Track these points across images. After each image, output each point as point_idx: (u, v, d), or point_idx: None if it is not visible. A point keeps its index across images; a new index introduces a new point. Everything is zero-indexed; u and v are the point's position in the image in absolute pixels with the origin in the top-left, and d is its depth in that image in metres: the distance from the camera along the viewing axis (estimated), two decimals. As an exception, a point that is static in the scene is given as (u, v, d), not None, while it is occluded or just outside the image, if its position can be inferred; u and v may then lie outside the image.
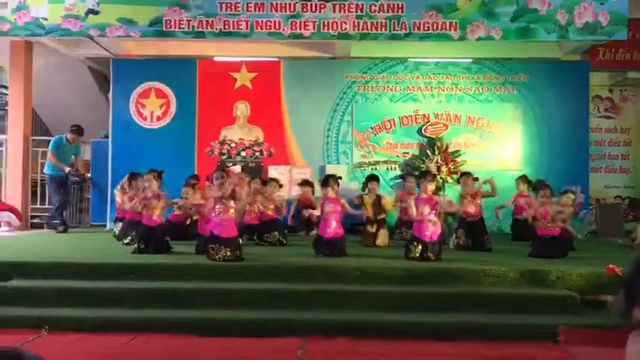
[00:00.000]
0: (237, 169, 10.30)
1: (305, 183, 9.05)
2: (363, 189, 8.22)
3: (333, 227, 6.69)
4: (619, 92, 11.28)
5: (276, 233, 7.96)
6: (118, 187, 8.77)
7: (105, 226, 10.31)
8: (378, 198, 7.99)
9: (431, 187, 6.57)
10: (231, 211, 6.30)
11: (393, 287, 5.64)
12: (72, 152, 10.02)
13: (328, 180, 6.97)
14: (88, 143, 11.14)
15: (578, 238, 7.07)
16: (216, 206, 6.35)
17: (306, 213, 7.45)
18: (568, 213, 7.10)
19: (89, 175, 10.49)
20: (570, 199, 7.53)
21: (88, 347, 4.65)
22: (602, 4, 8.96)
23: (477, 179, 7.99)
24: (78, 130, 9.79)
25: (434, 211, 6.49)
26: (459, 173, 9.87)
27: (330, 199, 6.86)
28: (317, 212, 7.00)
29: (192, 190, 8.21)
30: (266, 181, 8.71)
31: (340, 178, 7.29)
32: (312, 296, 5.43)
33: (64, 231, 9.53)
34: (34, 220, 10.54)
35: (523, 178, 9.03)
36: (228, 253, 6.10)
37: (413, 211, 6.56)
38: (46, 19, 9.10)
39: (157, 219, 6.90)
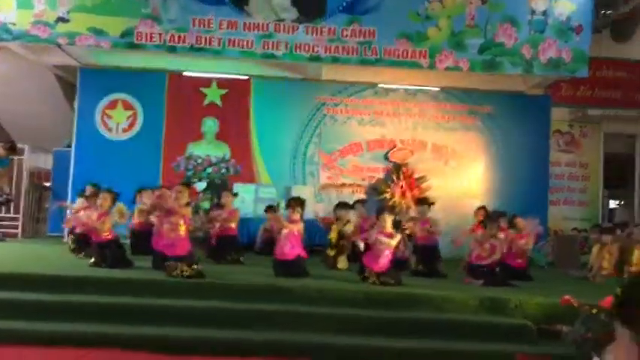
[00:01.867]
0: (202, 185, 10.15)
1: (271, 209, 8.93)
2: (335, 219, 8.15)
3: (289, 248, 6.66)
4: (579, 128, 11.61)
5: (233, 253, 7.83)
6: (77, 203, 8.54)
7: (63, 237, 10.02)
8: (345, 223, 8.00)
9: (390, 220, 6.55)
10: (181, 228, 6.18)
11: (354, 310, 5.60)
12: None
13: (291, 202, 6.98)
14: (50, 152, 10.94)
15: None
16: (164, 224, 6.21)
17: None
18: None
19: (8, 195, 9.66)
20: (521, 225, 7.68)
21: (38, 362, 4.47)
22: (565, 41, 9.26)
23: (432, 204, 8.07)
24: (10, 147, 9.18)
25: (389, 250, 6.46)
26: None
27: (292, 220, 6.82)
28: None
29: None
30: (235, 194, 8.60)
31: (304, 201, 7.23)
32: (273, 316, 5.37)
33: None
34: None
35: (482, 209, 9.00)
36: (186, 268, 5.98)
37: (360, 246, 6.60)
38: (14, 24, 8.90)
39: (107, 235, 6.83)
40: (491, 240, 6.96)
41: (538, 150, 10.78)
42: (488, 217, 7.68)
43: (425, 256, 7.59)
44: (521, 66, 9.23)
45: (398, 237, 6.58)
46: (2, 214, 10.15)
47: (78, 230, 7.73)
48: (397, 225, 6.74)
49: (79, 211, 7.54)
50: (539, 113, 10.84)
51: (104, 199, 6.95)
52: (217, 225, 7.96)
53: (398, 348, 5.01)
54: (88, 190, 8.25)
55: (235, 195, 8.50)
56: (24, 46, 9.56)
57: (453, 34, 9.16)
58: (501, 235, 7.23)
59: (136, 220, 8.25)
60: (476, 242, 7.09)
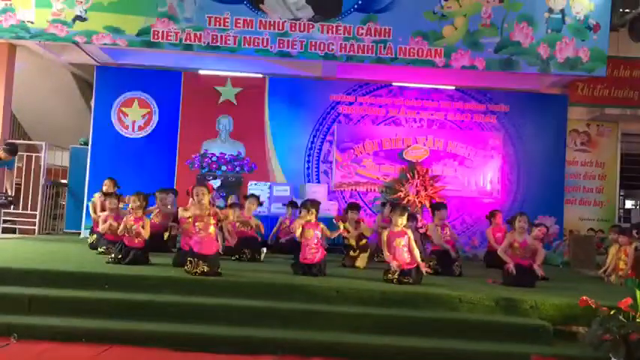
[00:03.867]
0: (217, 183, 10.37)
1: (292, 204, 9.01)
2: (344, 219, 8.13)
3: (313, 252, 6.68)
4: (596, 127, 11.50)
5: (249, 250, 7.86)
6: (94, 199, 8.61)
7: (79, 234, 10.19)
8: (357, 224, 8.02)
9: (401, 220, 6.53)
10: (212, 228, 6.24)
11: (370, 309, 5.59)
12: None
13: (307, 204, 6.93)
14: (67, 149, 11.05)
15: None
16: (196, 223, 6.27)
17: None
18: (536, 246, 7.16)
19: (10, 197, 9.13)
20: (542, 232, 7.70)
21: (58, 357, 4.55)
22: (583, 40, 9.20)
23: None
24: (10, 150, 8.63)
25: (406, 246, 6.49)
26: (436, 198, 10.05)
27: (309, 223, 6.83)
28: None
29: (168, 197, 8.32)
30: (246, 196, 8.60)
31: (319, 203, 7.21)
32: (289, 315, 5.38)
33: None
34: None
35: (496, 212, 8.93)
36: (206, 268, 6.03)
37: (385, 253, 6.59)
38: (32, 23, 9.02)
39: (138, 243, 6.85)
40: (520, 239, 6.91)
41: (554, 149, 10.77)
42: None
43: (442, 259, 7.58)
44: (538, 65, 9.20)
45: (409, 233, 6.56)
46: (19, 211, 10.26)
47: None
48: (413, 217, 6.78)
49: (106, 220, 7.51)
50: (556, 112, 10.81)
51: (135, 202, 6.90)
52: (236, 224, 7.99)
53: (413, 347, 5.00)
54: (107, 184, 8.34)
55: (261, 203, 8.52)
56: (42, 45, 9.65)
57: (468, 33, 9.14)
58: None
59: (152, 219, 8.25)
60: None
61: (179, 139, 10.65)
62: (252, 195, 8.60)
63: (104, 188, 8.45)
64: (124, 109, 10.65)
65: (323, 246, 6.90)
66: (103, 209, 8.13)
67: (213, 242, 6.27)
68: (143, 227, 6.82)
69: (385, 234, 6.60)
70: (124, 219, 6.94)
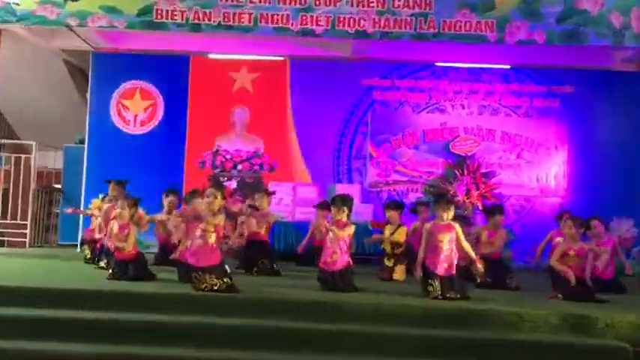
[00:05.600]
0: (232, 184, 10.48)
1: (324, 205, 8.88)
2: (385, 222, 8.22)
3: (338, 256, 6.68)
4: (681, 110, 11.19)
5: (266, 261, 7.88)
6: (96, 206, 8.65)
7: (76, 246, 10.25)
8: (398, 227, 8.06)
9: (446, 214, 6.53)
10: (212, 236, 6.28)
11: (410, 329, 5.57)
12: None
13: (338, 201, 6.94)
14: (60, 149, 11.19)
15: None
16: (196, 232, 6.33)
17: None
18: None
19: None
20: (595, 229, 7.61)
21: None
22: (664, 5, 8.98)
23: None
24: None
25: (453, 245, 6.47)
26: (490, 199, 10.05)
27: (339, 222, 6.82)
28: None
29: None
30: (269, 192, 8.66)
31: (352, 200, 7.17)
32: (314, 337, 5.39)
33: None
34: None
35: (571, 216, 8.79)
36: (215, 280, 6.05)
37: (420, 254, 6.54)
38: (18, 5, 9.04)
39: (130, 251, 6.93)
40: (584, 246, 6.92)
41: (631, 138, 10.54)
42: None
43: (490, 267, 7.49)
44: (610, 37, 8.99)
45: (457, 227, 6.52)
46: (8, 221, 10.35)
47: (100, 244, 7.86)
48: (463, 222, 6.80)
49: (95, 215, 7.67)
50: (632, 93, 10.60)
51: (124, 208, 7.01)
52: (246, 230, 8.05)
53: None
54: (112, 189, 8.25)
55: (271, 194, 8.56)
56: (29, 29, 9.70)
57: (525, 2, 8.99)
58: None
59: (160, 229, 8.41)
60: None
61: (188, 134, 10.71)
62: (260, 189, 8.74)
63: (110, 193, 8.30)
64: (124, 101, 10.73)
65: (348, 253, 6.86)
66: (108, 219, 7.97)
67: (215, 251, 6.30)
68: (127, 236, 6.90)
69: (428, 227, 6.59)
70: (110, 225, 7.07)
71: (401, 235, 7.99)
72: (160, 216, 8.16)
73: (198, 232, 6.30)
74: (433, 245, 6.49)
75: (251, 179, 10.66)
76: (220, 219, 6.40)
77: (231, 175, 10.65)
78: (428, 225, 6.64)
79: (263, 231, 8.11)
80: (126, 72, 10.73)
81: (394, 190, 10.70)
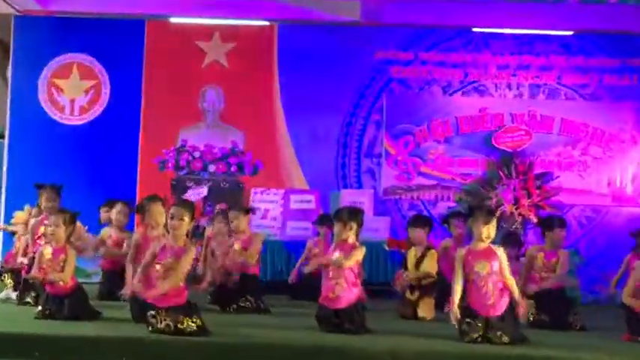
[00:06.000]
0: (203, 191, 10.38)
1: (325, 220, 8.92)
2: (403, 244, 8.26)
3: (342, 290, 6.57)
4: None
5: (250, 297, 7.84)
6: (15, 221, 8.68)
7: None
8: (426, 251, 7.96)
9: (487, 231, 6.38)
10: (179, 275, 6.16)
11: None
12: None
13: (344, 215, 6.80)
14: (-28, 145, 11.00)
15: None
16: (156, 266, 6.23)
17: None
18: None
19: None
20: None
21: None
22: None
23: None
24: None
25: (495, 274, 6.32)
26: (547, 209, 9.97)
27: (344, 245, 6.71)
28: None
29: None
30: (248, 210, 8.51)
31: (361, 212, 7.04)
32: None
33: None
34: None
35: None
36: (181, 319, 5.95)
37: (454, 287, 6.35)
38: None
39: (67, 283, 6.84)
40: None
41: None
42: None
43: (548, 301, 7.51)
44: None
45: (500, 253, 6.39)
46: None
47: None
48: (511, 240, 6.68)
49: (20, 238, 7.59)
50: None
51: (57, 225, 6.87)
52: (228, 260, 7.98)
53: None
54: (44, 198, 7.99)
55: (249, 212, 8.40)
56: None
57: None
58: None
59: (105, 252, 8.38)
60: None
61: (142, 125, 10.70)
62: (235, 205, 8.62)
63: (43, 203, 8.06)
64: (57, 81, 10.71)
65: (358, 283, 6.74)
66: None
67: (178, 291, 6.18)
68: (64, 263, 6.84)
69: (461, 254, 6.44)
70: (39, 250, 6.95)
71: (431, 264, 7.86)
72: (107, 232, 8.15)
73: (159, 267, 6.22)
74: (469, 277, 6.36)
75: (227, 184, 10.63)
76: (191, 255, 6.30)
77: (201, 179, 10.58)
78: (462, 251, 6.44)
79: (254, 261, 8.04)
80: (60, 42, 10.70)
81: (418, 197, 10.66)
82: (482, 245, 6.35)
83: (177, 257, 6.15)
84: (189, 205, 6.44)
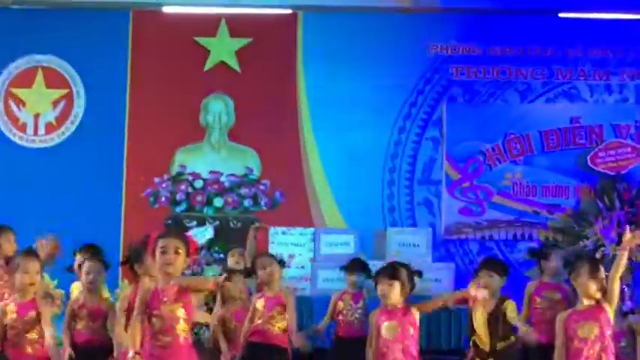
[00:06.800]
0: (209, 232, 9.86)
1: (358, 267, 8.22)
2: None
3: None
4: None
5: None
6: None
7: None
8: (500, 304, 7.10)
9: (593, 285, 5.82)
10: (182, 334, 5.20)
11: None
12: None
13: (387, 268, 6.30)
14: None
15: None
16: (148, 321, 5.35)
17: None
18: None
19: None
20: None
21: None
22: None
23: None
24: None
25: (603, 337, 5.80)
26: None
27: (392, 311, 6.02)
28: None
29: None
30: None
31: (416, 273, 6.34)
32: None
33: None
34: None
35: None
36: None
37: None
38: None
39: (36, 355, 6.08)
40: None
41: None
42: None
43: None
44: None
45: (608, 311, 5.87)
46: None
47: None
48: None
49: None
50: None
51: (27, 272, 6.15)
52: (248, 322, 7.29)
53: None
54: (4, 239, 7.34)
55: (283, 264, 7.68)
56: None
57: None
58: None
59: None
60: None
61: (127, 147, 10.03)
62: (267, 254, 7.90)
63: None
64: (16, 90, 10.10)
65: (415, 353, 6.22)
66: None
67: (187, 351, 5.26)
68: (39, 320, 6.10)
69: (562, 317, 6.00)
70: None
71: (510, 316, 7.07)
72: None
73: (157, 322, 5.22)
74: (571, 345, 5.88)
75: (239, 223, 9.91)
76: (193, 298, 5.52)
77: (204, 217, 9.86)
78: (563, 314, 6.07)
79: (280, 326, 7.26)
80: (21, 41, 10.05)
81: (490, 237, 9.87)
82: (586, 304, 6.02)
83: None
84: (182, 236, 5.65)
